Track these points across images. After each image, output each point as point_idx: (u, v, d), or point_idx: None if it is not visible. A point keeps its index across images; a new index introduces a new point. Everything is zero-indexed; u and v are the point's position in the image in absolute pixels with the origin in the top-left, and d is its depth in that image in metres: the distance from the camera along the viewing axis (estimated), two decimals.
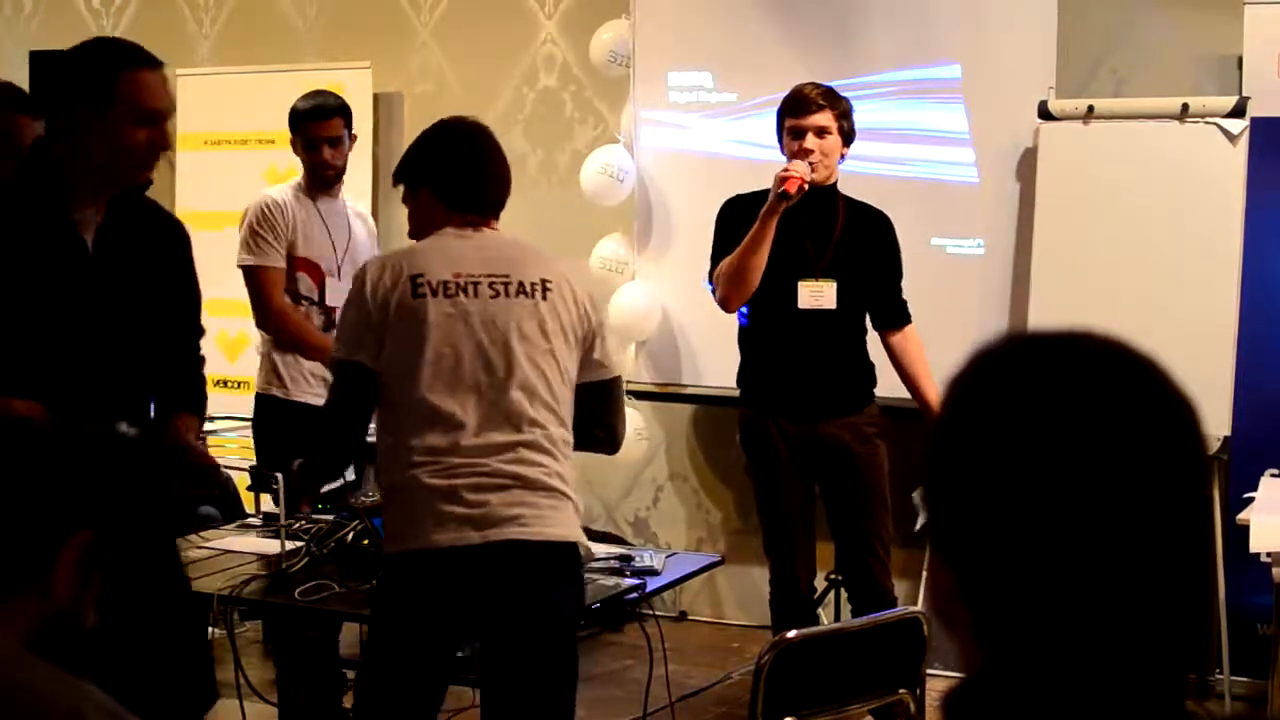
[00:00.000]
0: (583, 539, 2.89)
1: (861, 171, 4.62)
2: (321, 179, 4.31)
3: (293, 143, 4.35)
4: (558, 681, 2.87)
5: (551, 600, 2.81)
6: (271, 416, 4.25)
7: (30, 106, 3.61)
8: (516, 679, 2.84)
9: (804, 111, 4.00)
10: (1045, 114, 4.76)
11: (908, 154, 5.01)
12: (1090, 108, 4.72)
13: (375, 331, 2.80)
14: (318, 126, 4.28)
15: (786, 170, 3.91)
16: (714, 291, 4.09)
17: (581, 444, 2.97)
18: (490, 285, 2.84)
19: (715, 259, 4.08)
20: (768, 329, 4.10)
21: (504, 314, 2.83)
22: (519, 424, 2.80)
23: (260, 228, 4.17)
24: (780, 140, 4.08)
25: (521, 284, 2.86)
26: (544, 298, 2.87)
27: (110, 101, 2.75)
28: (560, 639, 2.85)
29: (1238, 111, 4.52)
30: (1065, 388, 0.97)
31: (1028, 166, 4.85)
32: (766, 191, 3.99)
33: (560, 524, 2.81)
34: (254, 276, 4.17)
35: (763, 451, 4.12)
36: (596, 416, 2.99)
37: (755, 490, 4.24)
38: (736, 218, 4.06)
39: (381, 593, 2.91)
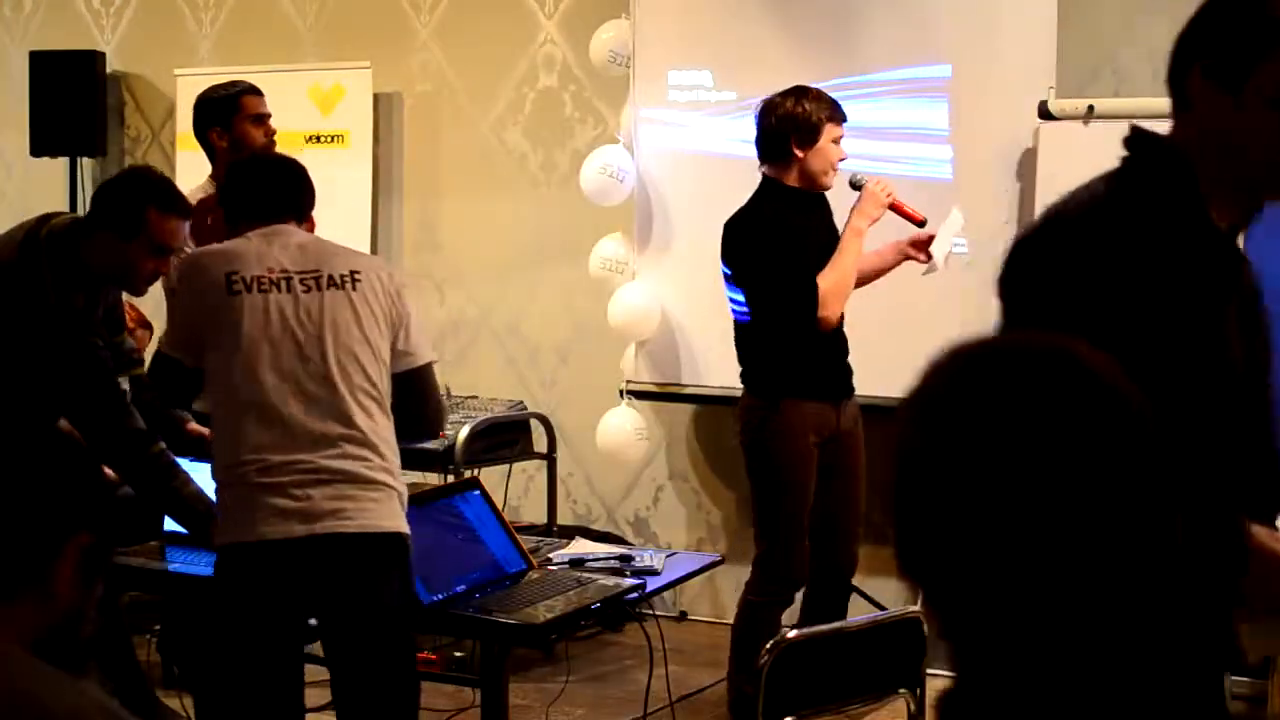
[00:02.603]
0: (403, 526, 3.00)
1: (865, 171, 4.63)
2: None
3: (220, 133, 4.10)
4: (390, 666, 3.00)
5: (375, 589, 2.95)
6: None
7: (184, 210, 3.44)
8: (350, 665, 3.00)
9: (844, 119, 4.08)
10: (1045, 114, 4.76)
11: (906, 153, 5.00)
12: (1090, 108, 4.72)
13: (196, 331, 2.97)
14: (263, 100, 4.13)
15: (890, 192, 4.03)
16: (815, 313, 3.97)
17: (398, 433, 3.08)
18: (301, 280, 2.98)
19: (799, 281, 3.97)
20: (809, 324, 4.04)
21: (317, 307, 2.96)
22: (341, 418, 2.92)
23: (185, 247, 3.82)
24: (808, 140, 4.02)
25: (331, 277, 3.00)
26: (354, 288, 3.01)
27: None
28: (387, 626, 2.98)
29: None
30: (1010, 399, 0.97)
31: (1028, 166, 4.85)
32: (785, 203, 4.00)
33: (383, 516, 2.93)
34: None
35: (795, 440, 4.10)
36: (405, 407, 3.11)
37: (779, 479, 4.14)
38: (792, 235, 4.01)
39: (215, 583, 3.03)
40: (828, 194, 4.17)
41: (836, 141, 4.05)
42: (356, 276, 3.02)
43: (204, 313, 2.96)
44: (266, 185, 3.17)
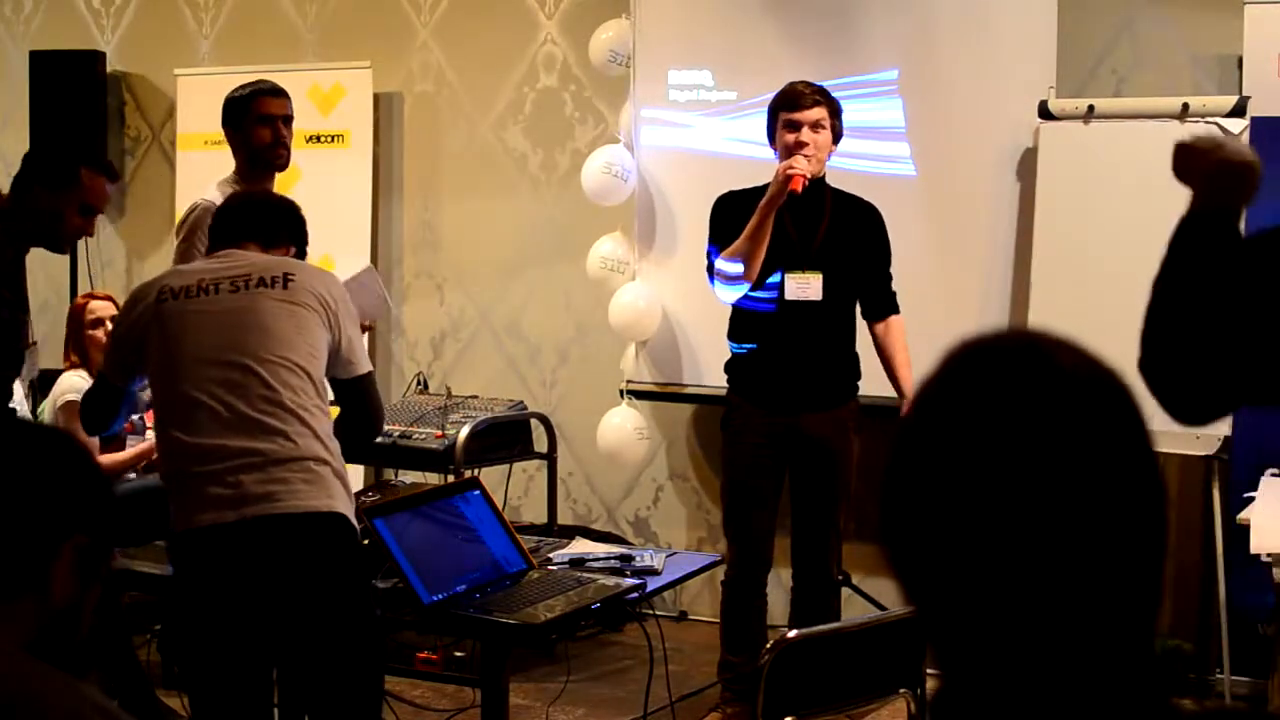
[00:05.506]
0: (339, 507, 2.98)
1: (866, 170, 4.64)
2: (275, 160, 4.11)
3: (233, 133, 4.15)
4: (339, 646, 2.97)
5: (313, 570, 2.93)
6: None
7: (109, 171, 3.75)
8: (299, 648, 2.97)
9: (800, 106, 4.11)
10: (1045, 114, 4.76)
11: (906, 152, 5.00)
12: (1090, 108, 4.72)
13: (124, 349, 3.09)
14: (278, 103, 4.12)
15: (791, 167, 3.98)
16: (714, 283, 4.17)
17: (339, 438, 3.10)
18: (231, 283, 3.05)
19: (714, 253, 4.17)
20: (755, 320, 4.14)
21: (242, 301, 3.02)
22: (270, 402, 2.95)
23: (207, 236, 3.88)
24: (772, 135, 4.16)
25: (262, 278, 3.05)
26: (285, 286, 3.05)
27: None
28: (330, 606, 2.95)
29: (1238, 111, 4.52)
30: (1009, 400, 0.97)
31: (1028, 166, 4.85)
32: (761, 187, 4.07)
33: (314, 496, 2.94)
34: None
35: (739, 434, 4.21)
36: (343, 414, 3.17)
37: (724, 473, 4.33)
38: (732, 212, 4.16)
39: (173, 572, 3.08)
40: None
41: (788, 126, 4.12)
42: (290, 278, 3.06)
43: (135, 330, 3.06)
44: (236, 216, 3.25)
